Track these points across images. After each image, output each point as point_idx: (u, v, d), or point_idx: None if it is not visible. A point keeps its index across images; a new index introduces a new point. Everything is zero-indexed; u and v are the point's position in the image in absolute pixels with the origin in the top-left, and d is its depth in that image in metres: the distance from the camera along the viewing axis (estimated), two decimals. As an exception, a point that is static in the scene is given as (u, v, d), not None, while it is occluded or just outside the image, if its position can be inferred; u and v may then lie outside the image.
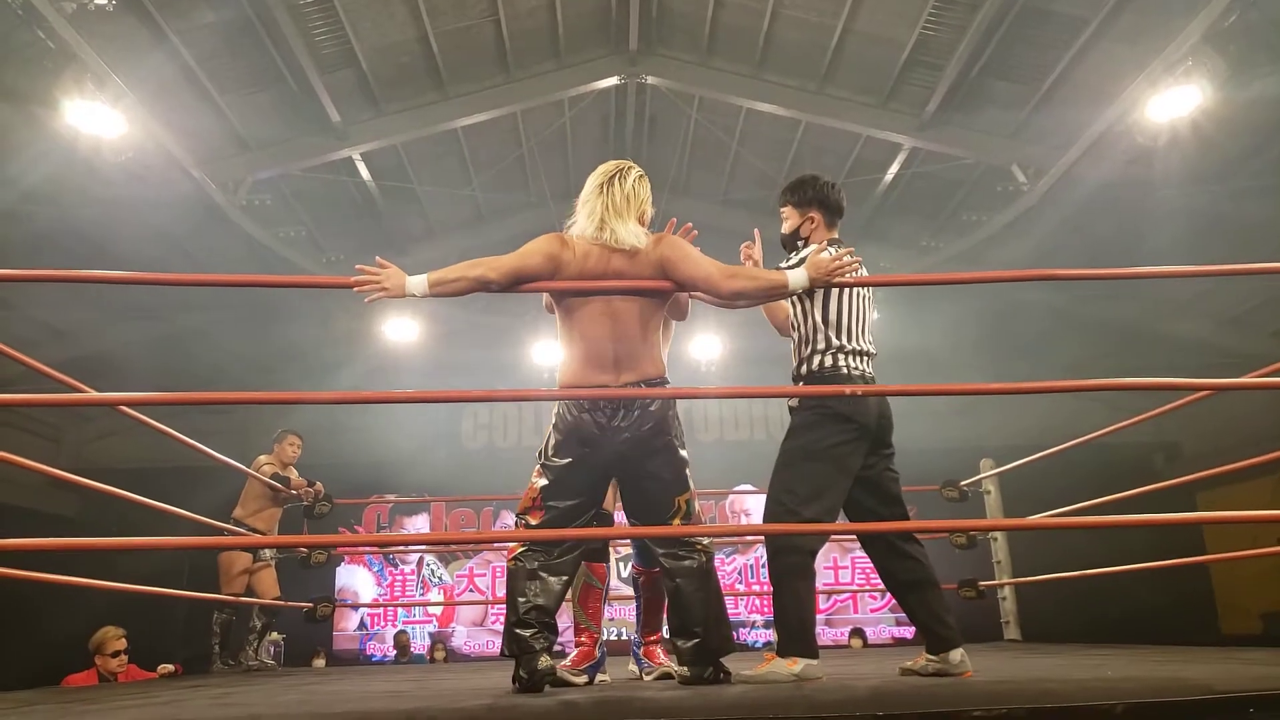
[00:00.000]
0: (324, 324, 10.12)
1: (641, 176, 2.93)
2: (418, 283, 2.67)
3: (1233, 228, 7.75)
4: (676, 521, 2.79)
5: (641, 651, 3.53)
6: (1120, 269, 3.13)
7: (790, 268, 2.84)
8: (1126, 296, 9.40)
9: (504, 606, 2.81)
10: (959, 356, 10.02)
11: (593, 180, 2.90)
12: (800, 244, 3.02)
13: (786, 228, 3.10)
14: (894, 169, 8.78)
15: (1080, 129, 7.18)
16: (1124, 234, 8.10)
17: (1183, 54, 5.95)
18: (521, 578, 2.73)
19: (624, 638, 9.31)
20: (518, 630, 2.67)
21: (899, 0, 6.96)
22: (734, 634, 2.89)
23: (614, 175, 2.88)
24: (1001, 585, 6.13)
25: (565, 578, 2.78)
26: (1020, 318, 9.96)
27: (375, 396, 3.37)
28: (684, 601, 2.77)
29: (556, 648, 2.78)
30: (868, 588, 11.12)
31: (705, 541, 2.82)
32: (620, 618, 9.80)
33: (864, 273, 2.97)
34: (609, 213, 2.81)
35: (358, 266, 2.71)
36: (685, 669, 2.79)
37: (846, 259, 2.75)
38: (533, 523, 2.80)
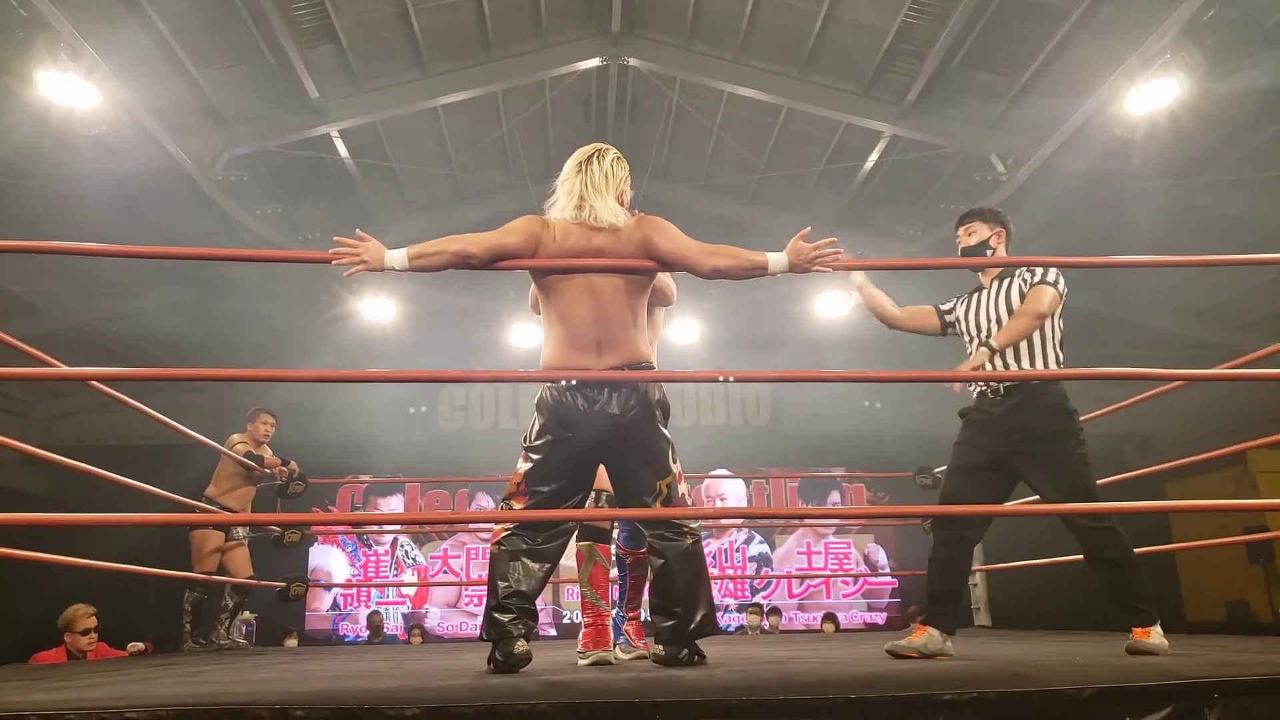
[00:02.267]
0: (300, 302, 10.03)
1: (619, 158, 2.97)
2: (397, 256, 2.66)
3: (1208, 220, 7.85)
4: (657, 505, 2.80)
5: (624, 626, 3.56)
6: (1095, 258, 3.22)
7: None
8: (1099, 288, 9.49)
9: (478, 588, 2.82)
10: (933, 344, 10.03)
11: (570, 162, 2.94)
12: (989, 251, 3.47)
13: (974, 240, 3.50)
14: (874, 157, 8.79)
15: (1059, 120, 7.23)
16: (1100, 225, 8.17)
17: (1161, 47, 6.00)
18: (504, 562, 2.72)
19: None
20: (496, 615, 2.66)
21: (882, -12, 6.97)
22: (717, 619, 2.90)
23: (591, 155, 2.93)
24: (973, 572, 6.21)
25: (548, 564, 2.77)
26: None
27: (350, 375, 3.35)
28: (667, 581, 2.78)
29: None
30: (840, 573, 11.23)
31: (694, 524, 2.84)
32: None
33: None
34: (588, 190, 2.84)
35: (336, 239, 2.69)
36: (661, 648, 2.80)
37: (827, 248, 2.78)
38: (517, 507, 2.79)
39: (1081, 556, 3.19)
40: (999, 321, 3.37)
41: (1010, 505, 3.42)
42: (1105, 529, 3.11)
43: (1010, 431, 3.24)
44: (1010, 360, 3.32)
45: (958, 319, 3.59)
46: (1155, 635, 3.00)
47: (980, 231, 3.51)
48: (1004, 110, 7.73)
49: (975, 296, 3.54)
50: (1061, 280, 3.32)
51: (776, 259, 2.75)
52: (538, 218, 2.85)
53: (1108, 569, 3.11)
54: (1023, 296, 3.33)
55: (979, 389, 3.38)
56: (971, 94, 7.70)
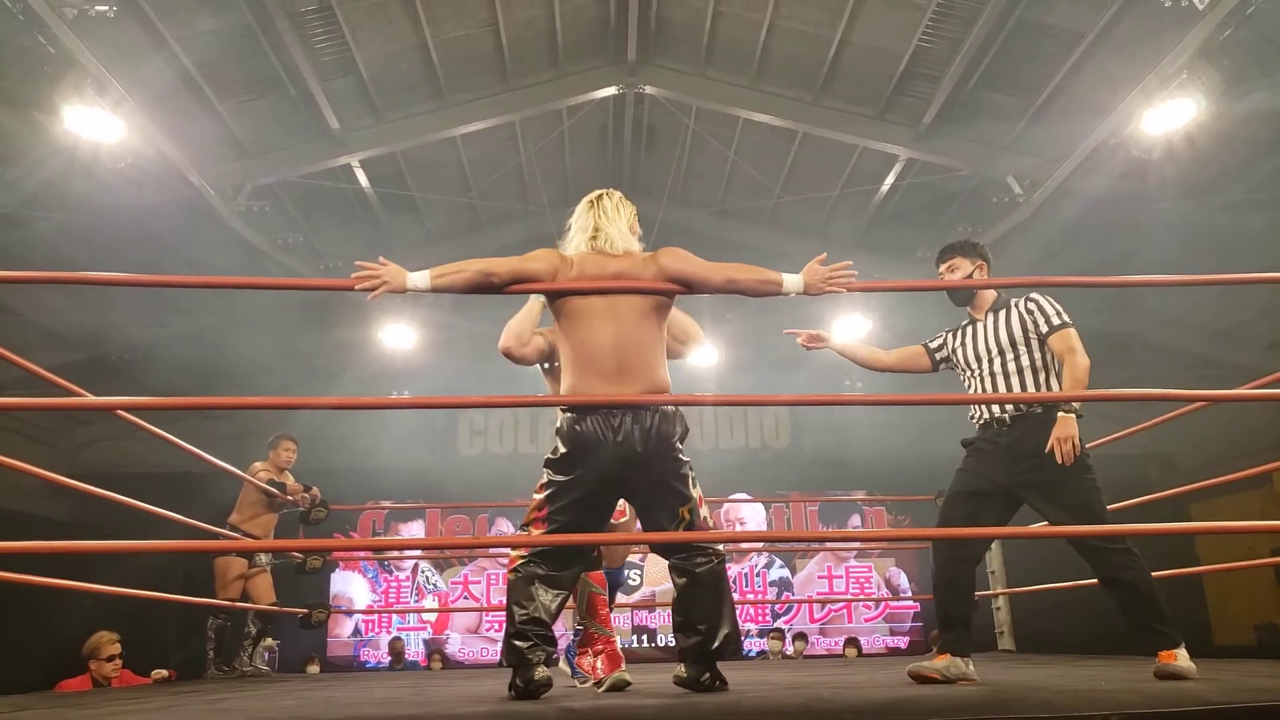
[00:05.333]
0: (321, 330, 10.10)
1: (624, 197, 3.12)
2: (419, 277, 2.73)
3: (1226, 241, 7.79)
4: (680, 530, 2.81)
5: (576, 659, 3.54)
6: (1113, 278, 3.21)
7: None
8: (1119, 308, 9.43)
9: (498, 614, 2.84)
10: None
11: (581, 204, 3.10)
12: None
13: (958, 275, 3.55)
14: (890, 180, 8.80)
15: (1075, 141, 7.21)
16: (1118, 246, 8.13)
17: (1178, 68, 5.98)
18: (521, 588, 2.75)
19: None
20: (515, 641, 2.68)
21: (896, 13, 6.98)
22: (741, 641, 2.91)
23: (600, 194, 3.10)
24: (996, 595, 6.15)
25: (564, 592, 2.80)
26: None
27: (371, 402, 3.38)
28: (690, 599, 2.79)
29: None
30: (861, 597, 11.13)
31: (718, 545, 2.86)
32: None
33: None
34: (602, 219, 2.98)
35: (357, 263, 2.75)
36: (684, 668, 2.81)
37: (842, 271, 2.82)
38: (535, 535, 2.81)
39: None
40: (999, 353, 3.38)
41: (1032, 528, 3.39)
42: (1119, 550, 3.08)
43: (1017, 460, 3.24)
44: (1016, 389, 3.32)
45: (951, 352, 3.62)
46: (1182, 658, 2.97)
47: (962, 267, 3.56)
48: (1020, 132, 7.73)
49: (968, 330, 3.55)
50: (1065, 312, 3.34)
51: (792, 279, 2.80)
52: (556, 251, 2.94)
53: (1123, 591, 3.09)
54: (1024, 328, 3.34)
55: (983, 419, 3.38)
56: (987, 116, 7.70)
